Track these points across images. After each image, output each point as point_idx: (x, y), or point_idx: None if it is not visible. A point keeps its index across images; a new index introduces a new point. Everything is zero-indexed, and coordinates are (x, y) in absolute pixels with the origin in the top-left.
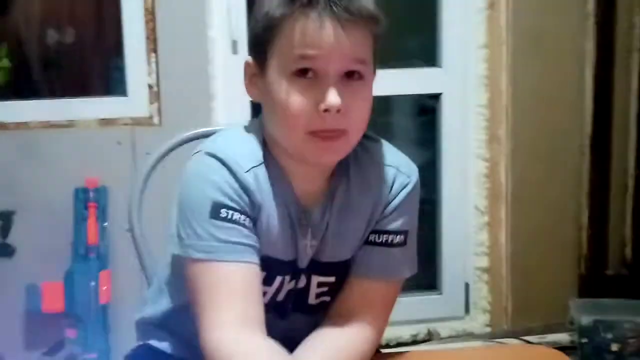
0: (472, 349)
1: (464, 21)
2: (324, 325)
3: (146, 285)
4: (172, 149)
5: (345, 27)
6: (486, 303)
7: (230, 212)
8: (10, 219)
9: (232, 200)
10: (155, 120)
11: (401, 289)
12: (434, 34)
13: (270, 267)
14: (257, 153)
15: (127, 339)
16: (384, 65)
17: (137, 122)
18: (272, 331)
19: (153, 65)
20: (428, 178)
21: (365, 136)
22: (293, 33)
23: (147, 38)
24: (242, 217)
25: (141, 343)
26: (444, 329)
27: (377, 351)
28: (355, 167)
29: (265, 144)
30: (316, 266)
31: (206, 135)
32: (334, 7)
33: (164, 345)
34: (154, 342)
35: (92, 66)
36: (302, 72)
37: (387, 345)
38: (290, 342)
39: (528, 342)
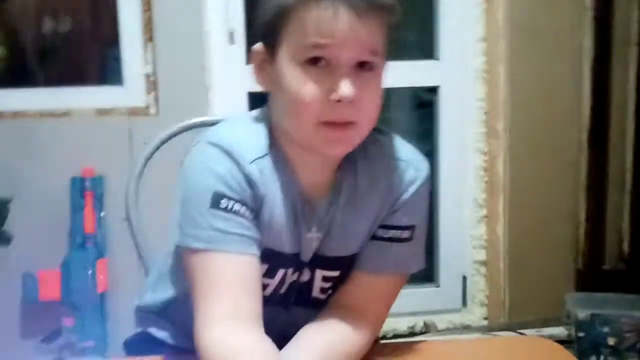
0: (468, 341)
1: (462, 14)
2: (322, 316)
3: (143, 274)
4: (168, 139)
5: (360, 16)
6: (483, 296)
7: (231, 202)
8: (7, 207)
9: (233, 190)
10: (152, 110)
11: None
12: (432, 27)
13: (272, 260)
14: (263, 143)
15: (124, 327)
16: None
17: (133, 111)
18: (273, 324)
19: (150, 54)
20: None
21: (375, 129)
22: (306, 21)
23: (144, 27)
24: (243, 208)
25: (140, 330)
26: (441, 321)
27: (376, 341)
28: (364, 160)
29: (271, 134)
30: (320, 260)
31: (203, 125)
32: None
33: (163, 334)
34: (153, 331)
35: (88, 55)
36: (314, 61)
37: (384, 337)
38: (291, 335)
39: (525, 335)
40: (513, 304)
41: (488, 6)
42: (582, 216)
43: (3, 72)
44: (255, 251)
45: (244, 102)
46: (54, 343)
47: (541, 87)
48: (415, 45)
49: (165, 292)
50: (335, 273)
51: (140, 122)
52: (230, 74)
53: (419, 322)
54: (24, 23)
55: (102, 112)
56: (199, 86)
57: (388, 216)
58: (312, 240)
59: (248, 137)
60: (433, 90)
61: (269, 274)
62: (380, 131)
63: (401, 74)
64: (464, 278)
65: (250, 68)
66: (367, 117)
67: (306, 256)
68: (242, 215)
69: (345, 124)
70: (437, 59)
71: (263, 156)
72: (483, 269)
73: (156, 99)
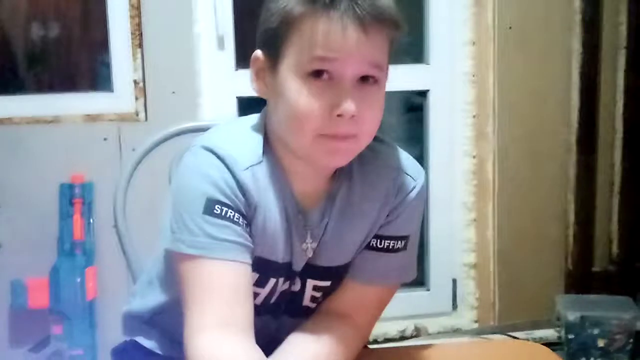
0: (459, 345)
1: (451, 18)
2: (311, 323)
3: (132, 281)
4: (157, 145)
5: (367, 31)
6: (473, 299)
7: (224, 209)
8: None
9: (227, 197)
10: (141, 116)
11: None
12: (421, 31)
13: (264, 269)
14: (257, 150)
15: (113, 335)
16: None
17: (122, 117)
18: (263, 332)
19: (139, 60)
20: None
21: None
22: (313, 33)
23: (133, 33)
24: (236, 215)
25: (128, 339)
26: (431, 325)
27: (365, 347)
28: (360, 169)
29: (266, 141)
30: (312, 270)
31: (192, 131)
32: (357, 9)
33: (150, 343)
34: (140, 340)
35: (77, 61)
36: (317, 74)
37: (375, 342)
38: (280, 344)
39: (515, 337)
40: (503, 307)
41: (477, 10)
42: (572, 218)
43: None
44: (248, 259)
45: (234, 107)
46: (42, 351)
47: (530, 90)
48: (404, 50)
49: (154, 299)
50: (327, 283)
51: (129, 128)
52: (220, 79)
53: (409, 325)
54: (13, 29)
55: (92, 118)
56: (189, 92)
57: (383, 226)
58: (305, 250)
59: (242, 143)
60: (423, 94)
61: (259, 283)
62: (377, 139)
63: (391, 78)
64: (454, 281)
65: (239, 74)
66: (367, 131)
67: (298, 266)
68: (236, 222)
69: (346, 137)
70: (426, 63)
71: (257, 163)
72: (473, 272)
73: (145, 105)
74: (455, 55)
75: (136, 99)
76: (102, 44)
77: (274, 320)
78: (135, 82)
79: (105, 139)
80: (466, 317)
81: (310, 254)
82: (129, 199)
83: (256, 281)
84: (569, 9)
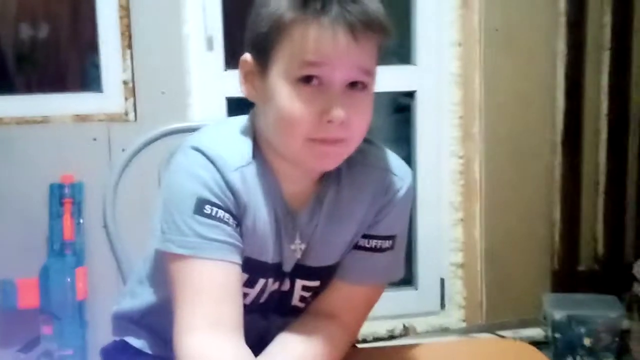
0: (447, 344)
1: (438, 19)
2: (299, 323)
3: (122, 282)
4: (146, 145)
5: (357, 38)
6: (461, 298)
7: (215, 209)
8: None
9: (217, 197)
10: (131, 116)
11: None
12: (408, 32)
13: (253, 270)
14: (246, 152)
15: (103, 336)
16: None
17: (112, 118)
18: (252, 331)
19: (128, 61)
20: None
21: None
22: (303, 39)
23: (122, 34)
24: (227, 215)
25: (117, 339)
26: (419, 324)
27: (354, 346)
28: (348, 170)
29: (255, 142)
30: (301, 270)
31: (181, 131)
32: (347, 16)
33: (140, 343)
34: (130, 339)
35: (67, 62)
36: (307, 79)
37: (364, 341)
38: (269, 343)
39: (502, 336)
40: (490, 306)
41: (464, 12)
42: (557, 218)
43: None
44: (238, 259)
45: (223, 107)
46: (32, 352)
47: (516, 90)
48: (391, 51)
49: (144, 299)
50: (316, 283)
51: (119, 129)
52: (209, 79)
53: (398, 325)
54: (2, 29)
55: (81, 119)
56: (178, 92)
57: (371, 226)
58: (294, 251)
59: (231, 145)
60: (410, 94)
61: (249, 283)
62: (364, 140)
63: (378, 78)
64: (442, 281)
65: (229, 74)
66: (356, 135)
67: (288, 266)
68: (226, 222)
69: (335, 141)
70: (413, 64)
71: (246, 165)
72: (460, 272)
73: (135, 106)
74: (442, 56)
75: (125, 99)
76: (92, 45)
77: (263, 319)
78: (124, 82)
79: (94, 139)
80: (454, 317)
81: (299, 255)
82: (119, 199)
83: (246, 281)
84: (554, 10)
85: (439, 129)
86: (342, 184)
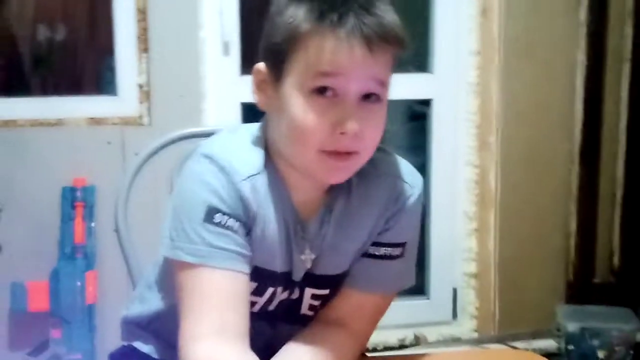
0: (458, 354)
1: (456, 28)
2: (308, 331)
3: (132, 286)
4: (159, 149)
5: (373, 50)
6: (474, 308)
7: (225, 217)
8: None
9: (227, 206)
10: (145, 120)
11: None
12: (426, 40)
13: (262, 278)
14: (257, 161)
15: (112, 340)
16: None
17: (126, 121)
18: (259, 340)
19: (144, 65)
20: None
21: None
22: (319, 50)
23: (139, 38)
24: (237, 224)
25: (126, 344)
26: (431, 333)
27: (364, 355)
28: (358, 179)
29: (266, 151)
30: (311, 279)
31: (195, 136)
32: (363, 28)
33: (148, 349)
34: (138, 344)
35: (83, 65)
36: (321, 90)
37: (375, 350)
38: (276, 351)
39: (515, 347)
40: (503, 317)
41: (483, 20)
42: (573, 229)
43: None
44: (246, 269)
45: (238, 112)
46: (41, 355)
47: (534, 100)
48: (409, 58)
49: (152, 304)
50: (325, 291)
51: (133, 132)
52: (225, 84)
53: (409, 334)
54: (20, 31)
55: (95, 122)
56: (193, 97)
57: (381, 234)
58: (304, 261)
59: (242, 153)
60: (426, 103)
61: (257, 291)
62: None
63: (395, 86)
64: (455, 290)
65: (244, 79)
66: (368, 148)
67: (297, 275)
68: (236, 232)
69: (348, 154)
70: (430, 72)
71: (256, 174)
72: (473, 282)
73: (149, 109)
74: (459, 65)
75: (140, 103)
76: (108, 48)
77: (271, 327)
78: (140, 86)
79: (108, 143)
80: (466, 327)
81: (309, 265)
82: (131, 203)
83: (254, 290)
84: (575, 20)
85: (455, 138)
86: (353, 193)
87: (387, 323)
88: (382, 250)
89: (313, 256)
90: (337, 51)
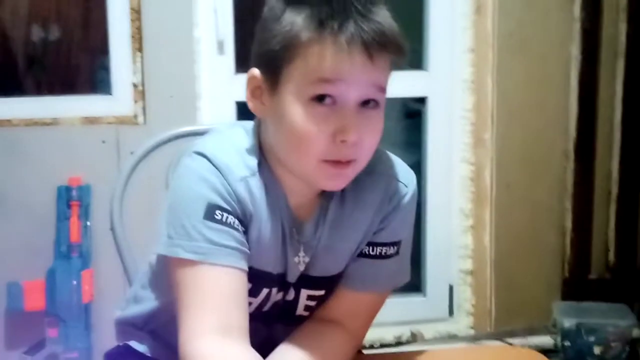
0: (454, 351)
1: (451, 25)
2: (304, 330)
3: (128, 285)
4: (154, 148)
5: (372, 57)
6: (470, 305)
7: (225, 214)
8: None
9: (227, 203)
10: (140, 119)
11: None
12: (420, 38)
13: (257, 279)
14: (252, 162)
15: (108, 339)
16: None
17: (121, 120)
18: (254, 339)
19: (138, 64)
20: None
21: None
22: (319, 58)
23: (133, 37)
24: (236, 221)
25: (121, 343)
26: (427, 330)
27: (359, 352)
28: (352, 180)
29: (261, 153)
30: (306, 280)
31: (190, 135)
32: (363, 35)
33: (143, 348)
34: (133, 344)
35: (77, 64)
36: (320, 98)
37: (371, 347)
38: (271, 351)
39: (511, 344)
40: (499, 313)
41: (477, 17)
42: (569, 225)
43: None
44: (245, 266)
45: (233, 111)
46: (37, 354)
47: (528, 97)
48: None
49: (147, 303)
50: (321, 292)
51: (128, 131)
52: (219, 83)
53: (405, 331)
54: (13, 30)
55: (90, 121)
56: (188, 96)
57: (375, 233)
58: (298, 263)
59: (237, 154)
60: (421, 100)
61: (252, 292)
62: None
63: (390, 83)
64: (451, 287)
65: (239, 78)
66: (366, 154)
67: (292, 277)
68: (235, 228)
69: (347, 163)
70: (425, 69)
71: (250, 176)
72: (469, 279)
73: (144, 109)
74: (454, 62)
75: (135, 102)
76: (102, 47)
77: (266, 327)
78: (134, 85)
79: (103, 142)
80: (462, 323)
81: (302, 268)
82: (126, 202)
83: (249, 290)
84: (569, 16)
85: (450, 135)
86: (347, 194)
87: (383, 320)
88: (377, 250)
89: (307, 259)
90: (337, 58)
